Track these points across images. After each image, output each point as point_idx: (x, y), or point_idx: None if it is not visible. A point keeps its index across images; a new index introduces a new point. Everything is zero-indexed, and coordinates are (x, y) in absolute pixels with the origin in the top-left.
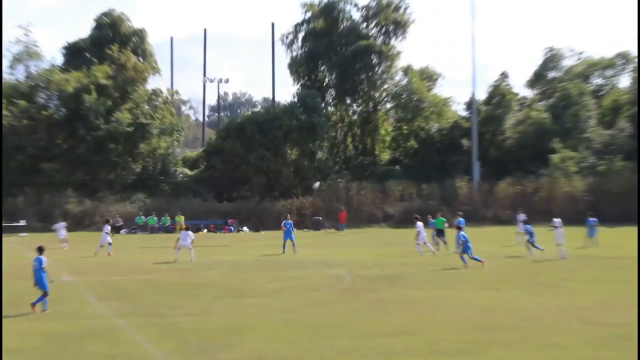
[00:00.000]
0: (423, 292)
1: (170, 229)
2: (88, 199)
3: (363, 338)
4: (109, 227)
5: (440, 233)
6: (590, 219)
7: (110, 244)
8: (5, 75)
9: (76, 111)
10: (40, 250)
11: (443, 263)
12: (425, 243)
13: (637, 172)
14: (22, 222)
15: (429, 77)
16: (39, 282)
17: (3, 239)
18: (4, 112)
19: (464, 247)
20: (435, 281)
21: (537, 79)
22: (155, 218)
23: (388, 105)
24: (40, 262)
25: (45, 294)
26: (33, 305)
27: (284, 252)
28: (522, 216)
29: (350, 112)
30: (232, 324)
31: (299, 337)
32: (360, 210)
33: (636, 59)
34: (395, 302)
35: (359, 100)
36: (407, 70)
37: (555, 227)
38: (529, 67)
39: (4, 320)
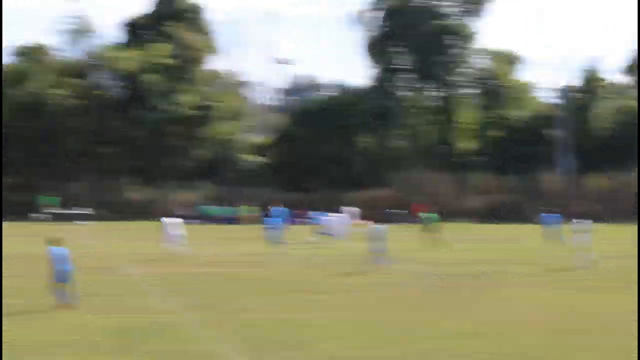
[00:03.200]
0: (512, 291)
1: (234, 220)
2: (148, 185)
3: (447, 339)
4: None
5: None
6: None
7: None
8: (59, 53)
9: (135, 92)
10: (58, 241)
11: (533, 261)
12: None
13: (637, 172)
14: (81, 210)
15: (509, 60)
16: (63, 274)
17: (61, 227)
18: (58, 91)
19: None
20: (525, 280)
21: (634, 65)
22: (219, 207)
23: (467, 90)
24: (64, 253)
25: (64, 287)
26: (66, 303)
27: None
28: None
29: (429, 97)
30: (306, 321)
31: (378, 336)
32: (439, 203)
33: None
34: (482, 301)
35: (437, 85)
36: (488, 54)
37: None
38: (625, 52)
39: (66, 313)
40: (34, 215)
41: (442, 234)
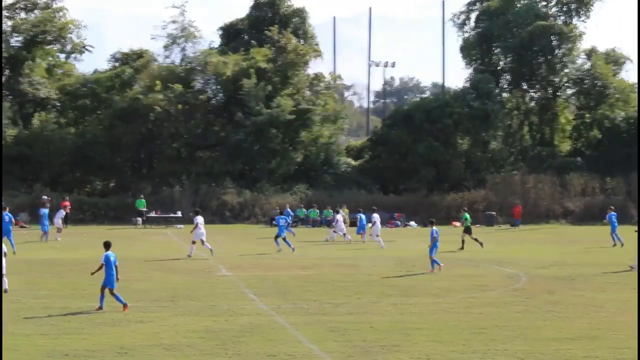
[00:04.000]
0: (605, 295)
1: (331, 223)
2: (247, 189)
3: (539, 342)
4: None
5: (467, 230)
6: None
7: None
8: (159, 58)
9: (234, 96)
10: (108, 246)
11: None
12: None
13: (637, 171)
14: (179, 214)
15: (615, 60)
16: (114, 278)
17: (159, 230)
18: (158, 97)
19: None
20: (619, 283)
21: None
22: (317, 211)
23: (569, 92)
24: (115, 259)
25: (106, 290)
26: (124, 305)
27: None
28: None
29: (527, 98)
30: (398, 324)
31: (469, 339)
32: (537, 205)
33: None
34: (574, 304)
35: (537, 86)
36: (590, 53)
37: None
38: None
39: (160, 315)
40: (133, 219)
41: (474, 235)
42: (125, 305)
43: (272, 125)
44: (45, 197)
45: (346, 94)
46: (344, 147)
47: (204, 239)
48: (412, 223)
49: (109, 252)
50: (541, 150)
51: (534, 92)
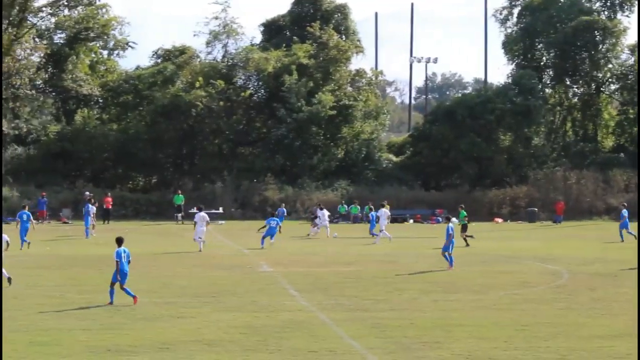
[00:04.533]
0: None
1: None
2: (288, 185)
3: (581, 340)
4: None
5: (463, 228)
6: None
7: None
8: (201, 54)
9: (276, 92)
10: (122, 241)
11: None
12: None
13: (637, 172)
14: (220, 210)
15: None
16: (127, 274)
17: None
18: (200, 93)
19: None
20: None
21: None
22: (358, 207)
23: (612, 87)
24: (128, 255)
25: (116, 286)
26: (134, 297)
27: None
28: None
29: (570, 94)
30: (440, 320)
31: (511, 336)
32: (580, 201)
33: None
34: (617, 301)
35: (580, 82)
36: (634, 49)
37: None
38: None
39: (201, 311)
40: (175, 215)
41: (469, 232)
42: (135, 297)
43: (313, 122)
44: (88, 193)
45: (388, 90)
46: (385, 143)
47: (203, 237)
48: (454, 219)
49: (120, 248)
50: (584, 146)
51: (577, 87)
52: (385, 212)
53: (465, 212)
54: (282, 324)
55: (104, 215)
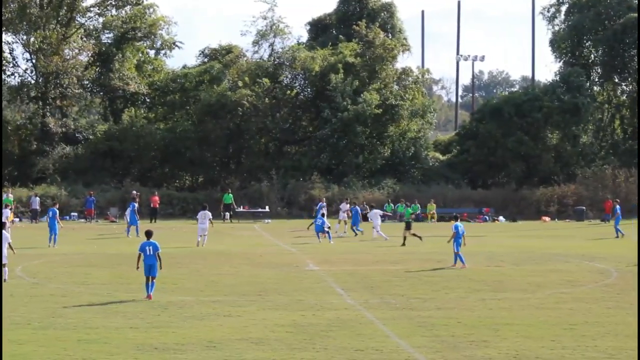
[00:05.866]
0: None
1: (420, 218)
2: (334, 184)
3: (630, 339)
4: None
5: (407, 226)
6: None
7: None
8: (248, 53)
9: (322, 91)
10: (150, 234)
11: None
12: None
13: (638, 172)
14: (267, 209)
15: None
16: (154, 268)
17: (247, 225)
18: (246, 92)
19: None
20: None
21: None
22: (404, 206)
23: None
24: (155, 247)
25: (154, 279)
26: (149, 295)
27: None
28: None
29: (619, 91)
30: (487, 319)
31: (559, 335)
32: (629, 200)
33: None
34: None
35: (629, 79)
36: None
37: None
38: None
39: (248, 309)
40: (223, 213)
41: (413, 231)
42: (150, 295)
43: (359, 120)
44: (134, 191)
45: (434, 88)
46: (432, 141)
47: (204, 233)
48: (501, 218)
49: (146, 241)
50: (633, 144)
51: (625, 85)
52: (376, 212)
53: (410, 210)
54: (328, 323)
55: (152, 214)
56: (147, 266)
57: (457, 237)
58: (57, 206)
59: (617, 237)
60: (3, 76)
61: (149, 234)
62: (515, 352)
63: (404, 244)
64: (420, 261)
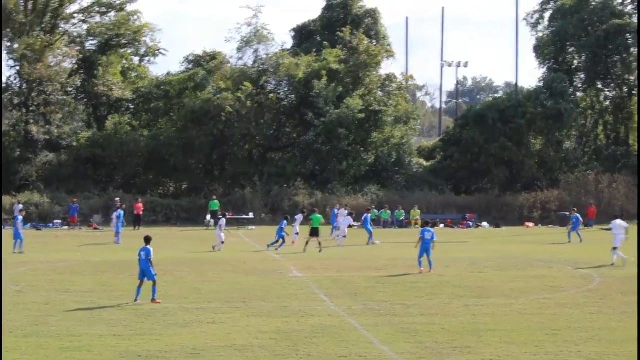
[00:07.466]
0: None
1: (404, 224)
2: (318, 190)
3: (613, 344)
4: (224, 221)
5: (314, 232)
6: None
7: (223, 242)
8: (232, 60)
9: (306, 98)
10: (147, 240)
11: None
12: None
13: (637, 173)
14: (250, 215)
15: None
16: (148, 273)
17: (231, 231)
18: (229, 95)
19: None
20: None
21: None
22: (389, 212)
23: None
24: (148, 252)
25: (154, 284)
26: (153, 300)
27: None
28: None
29: (602, 97)
30: (470, 325)
31: (542, 340)
32: (612, 205)
33: None
34: None
35: (612, 85)
36: None
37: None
38: None
39: (232, 316)
40: (207, 220)
41: (320, 239)
42: (136, 300)
43: (342, 125)
44: (117, 198)
45: (418, 94)
46: (415, 147)
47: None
48: (485, 224)
49: (143, 247)
50: (616, 149)
51: (608, 91)
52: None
53: (319, 216)
54: (312, 329)
55: (135, 221)
56: (140, 270)
57: (423, 242)
58: (24, 213)
59: (570, 241)
60: None
61: (147, 239)
62: (498, 357)
63: (304, 250)
64: (404, 267)
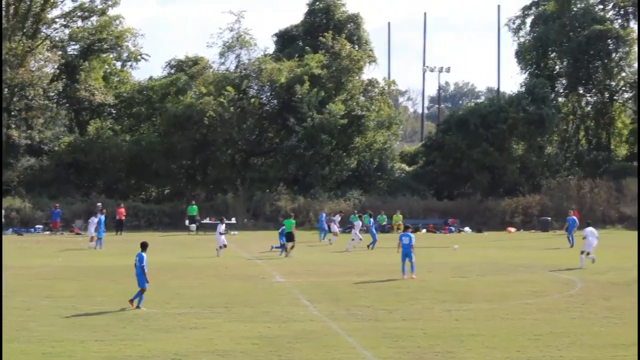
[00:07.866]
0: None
1: (387, 229)
2: (300, 195)
3: (595, 349)
4: (223, 227)
5: (289, 237)
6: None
7: (224, 246)
8: (215, 65)
9: (288, 103)
10: (143, 246)
11: None
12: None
13: (637, 173)
14: (233, 220)
15: None
16: (138, 279)
17: (213, 237)
18: (210, 99)
19: None
20: None
21: None
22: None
23: (626, 95)
24: (141, 258)
25: (141, 291)
26: (131, 301)
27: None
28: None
29: (584, 103)
30: (452, 330)
31: (524, 345)
32: (593, 210)
33: None
34: (631, 310)
35: (594, 90)
36: None
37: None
38: None
39: (214, 321)
40: (187, 225)
41: (295, 244)
42: (131, 302)
43: (324, 130)
44: (99, 204)
45: (400, 99)
46: (398, 152)
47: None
48: (467, 229)
49: (138, 252)
50: (597, 154)
51: (590, 96)
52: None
53: (292, 221)
54: (295, 334)
55: (117, 226)
56: (136, 276)
57: (402, 247)
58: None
59: (572, 246)
60: None
61: (142, 245)
62: None
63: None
64: (387, 272)
